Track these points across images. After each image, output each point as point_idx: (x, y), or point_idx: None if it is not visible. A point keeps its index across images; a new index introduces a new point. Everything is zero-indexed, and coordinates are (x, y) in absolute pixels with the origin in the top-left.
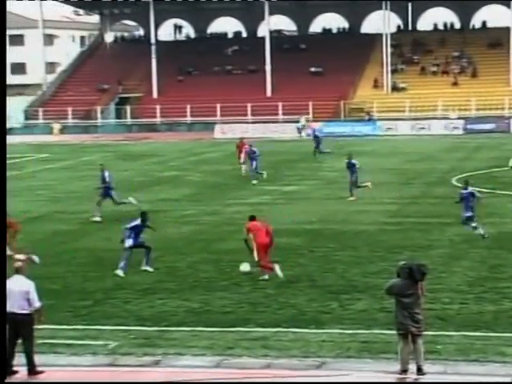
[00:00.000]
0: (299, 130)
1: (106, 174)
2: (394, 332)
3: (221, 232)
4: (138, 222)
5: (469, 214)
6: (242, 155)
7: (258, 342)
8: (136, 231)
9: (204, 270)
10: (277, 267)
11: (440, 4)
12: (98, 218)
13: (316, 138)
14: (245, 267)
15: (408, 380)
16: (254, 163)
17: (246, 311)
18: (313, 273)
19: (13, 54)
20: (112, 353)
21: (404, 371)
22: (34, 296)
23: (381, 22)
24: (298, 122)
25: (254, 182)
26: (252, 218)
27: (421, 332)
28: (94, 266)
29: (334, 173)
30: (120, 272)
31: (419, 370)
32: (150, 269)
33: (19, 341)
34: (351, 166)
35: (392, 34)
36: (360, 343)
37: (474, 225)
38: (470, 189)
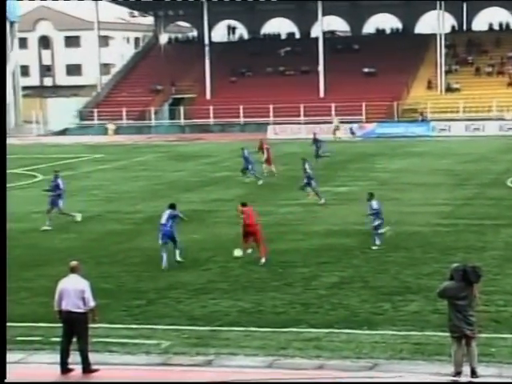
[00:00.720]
0: (352, 131)
1: (60, 181)
2: (447, 334)
3: (273, 232)
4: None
5: (376, 222)
6: (265, 155)
7: (310, 342)
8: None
9: (256, 271)
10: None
11: (495, 4)
12: (47, 227)
13: (316, 142)
14: (237, 252)
15: (461, 382)
16: (250, 166)
17: (298, 312)
18: (365, 274)
19: (69, 56)
20: (165, 352)
21: (457, 374)
22: (89, 295)
23: (435, 23)
24: (331, 123)
25: (247, 180)
26: (244, 205)
27: (475, 334)
28: (148, 266)
29: (386, 174)
30: (180, 258)
31: (473, 373)
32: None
33: (74, 339)
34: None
35: (446, 35)
36: (413, 345)
37: (380, 231)
38: (373, 201)
